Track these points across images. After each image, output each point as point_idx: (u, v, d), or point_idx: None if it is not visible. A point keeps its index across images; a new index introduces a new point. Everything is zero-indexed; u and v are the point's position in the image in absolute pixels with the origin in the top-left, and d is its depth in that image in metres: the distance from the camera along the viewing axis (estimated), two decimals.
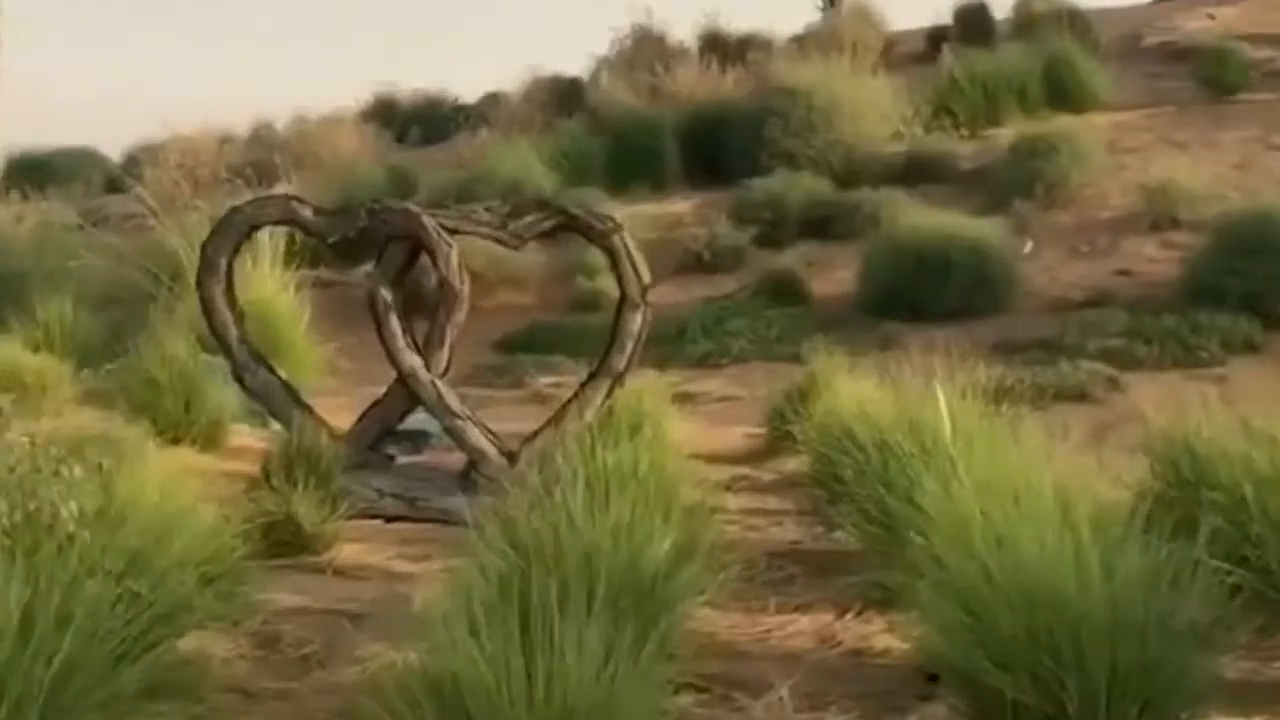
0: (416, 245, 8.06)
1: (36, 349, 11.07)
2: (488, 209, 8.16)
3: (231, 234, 8.23)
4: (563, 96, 29.07)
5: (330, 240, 8.28)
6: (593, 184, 20.61)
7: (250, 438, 10.12)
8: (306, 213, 8.13)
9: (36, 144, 33.69)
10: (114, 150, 32.88)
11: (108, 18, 56.54)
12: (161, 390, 9.61)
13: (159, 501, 5.30)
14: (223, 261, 8.18)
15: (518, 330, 15.78)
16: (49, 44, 49.84)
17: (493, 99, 32.39)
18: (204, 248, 8.26)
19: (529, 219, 7.99)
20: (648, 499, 5.27)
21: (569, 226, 8.15)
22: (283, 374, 10.45)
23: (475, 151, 23.01)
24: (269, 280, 12.49)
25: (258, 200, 8.62)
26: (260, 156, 24.81)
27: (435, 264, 7.94)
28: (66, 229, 18.36)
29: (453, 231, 8.01)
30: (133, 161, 28.34)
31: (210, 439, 9.75)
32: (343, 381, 12.38)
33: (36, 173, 31.27)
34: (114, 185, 27.24)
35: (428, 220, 7.95)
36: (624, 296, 8.01)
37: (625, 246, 7.94)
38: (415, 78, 38.65)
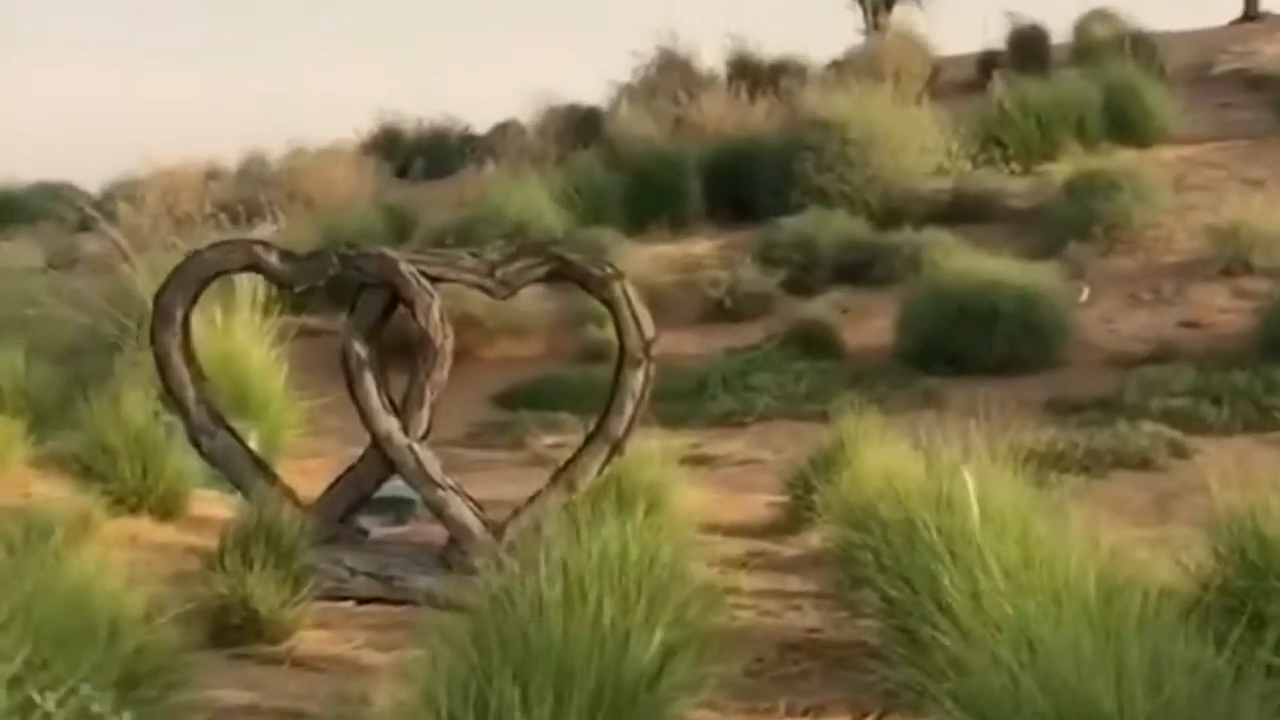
0: (395, 293, 7.88)
1: None
2: (473, 254, 7.96)
3: (189, 282, 8.05)
4: (579, 127, 29.04)
5: (298, 288, 8.10)
6: (608, 223, 20.49)
7: (217, 506, 9.91)
8: (272, 258, 7.95)
9: (8, 178, 33.87)
10: (95, 185, 32.87)
11: (105, 41, 57.12)
12: (116, 454, 9.40)
13: (81, 586, 5.07)
14: (179, 312, 8.01)
15: (521, 384, 15.58)
16: (28, 68, 50.24)
17: (503, 131, 32.40)
18: (158, 297, 8.09)
19: (519, 265, 7.79)
20: (638, 585, 5.05)
21: (564, 274, 7.93)
22: (255, 435, 10.35)
23: (480, 187, 22.87)
24: (244, 329, 12.29)
25: (219, 245, 8.44)
26: (250, 193, 24.81)
27: (414, 315, 7.75)
28: (29, 272, 18.23)
29: (435, 279, 7.83)
30: (111, 198, 28.33)
31: (170, 508, 9.54)
32: (327, 441, 12.17)
33: (4, 211, 31.36)
34: (89, 224, 27.18)
35: (405, 267, 7.76)
36: (624, 351, 7.79)
37: (625, 296, 7.72)
38: (425, 107, 38.75)
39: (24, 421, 10.73)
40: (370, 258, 7.89)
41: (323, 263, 7.93)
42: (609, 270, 7.82)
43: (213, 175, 29.84)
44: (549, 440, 12.83)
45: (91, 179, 32.66)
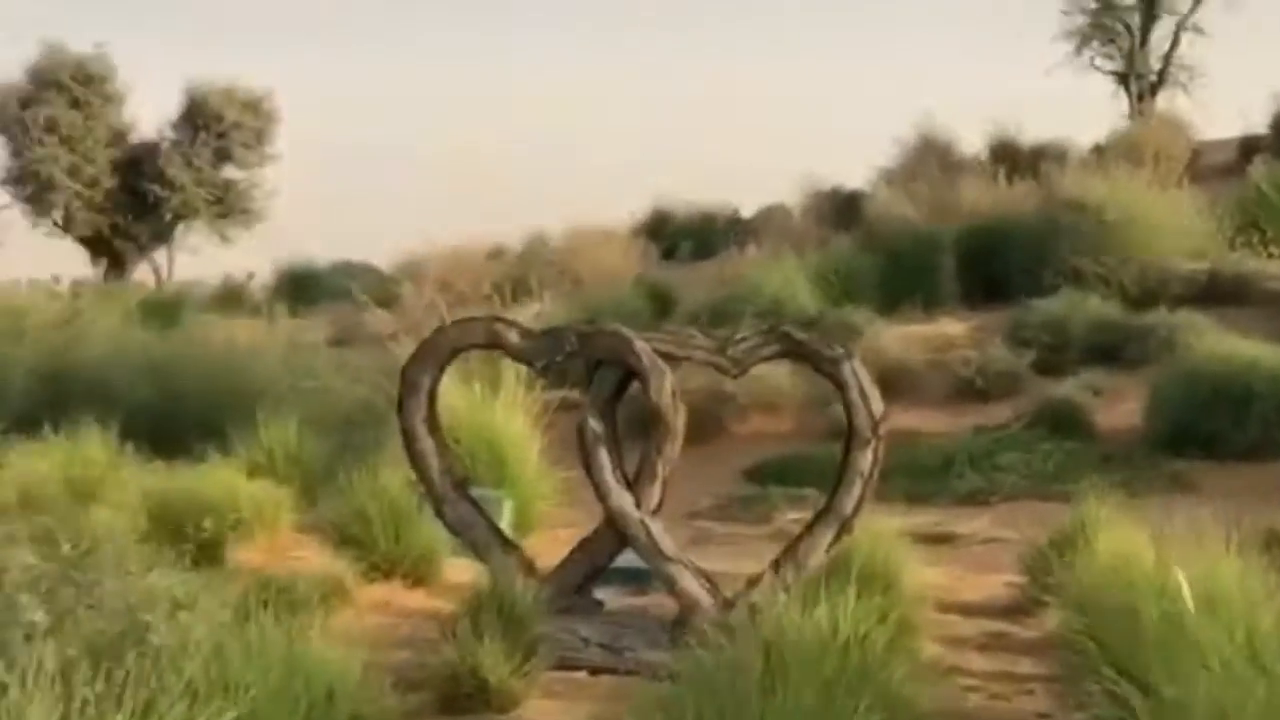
0: (629, 370, 7.77)
1: (256, 474, 11.03)
2: (705, 333, 7.85)
3: (434, 357, 8.09)
4: (841, 210, 28.88)
5: (538, 365, 8.06)
6: (862, 303, 20.17)
7: (469, 572, 9.90)
8: (512, 336, 7.94)
9: (313, 257, 35.06)
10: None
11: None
12: (371, 521, 9.46)
13: (301, 651, 5.01)
14: (424, 385, 8.04)
15: (770, 459, 15.34)
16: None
17: (768, 214, 32.39)
18: (405, 371, 8.14)
19: (749, 344, 7.64)
20: (843, 665, 4.81)
21: (794, 353, 7.76)
22: (510, 504, 10.33)
23: (739, 268, 22.78)
24: (505, 402, 12.33)
25: (461, 322, 8.47)
26: (528, 271, 25.12)
27: (646, 392, 7.63)
28: (312, 347, 18.63)
29: (668, 357, 7.70)
30: (395, 278, 29.01)
31: (422, 574, 9.56)
32: (580, 511, 12.11)
33: (305, 287, 32.37)
34: (382, 301, 27.79)
35: (640, 345, 7.65)
36: (852, 431, 7.55)
37: (855, 376, 7.50)
38: (703, 190, 39.08)
39: (293, 489, 10.92)
40: (605, 335, 7.82)
41: (560, 340, 7.88)
42: (838, 350, 7.61)
43: (495, 254, 30.35)
44: (793, 515, 12.56)
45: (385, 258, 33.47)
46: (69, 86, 45.72)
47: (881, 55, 61.59)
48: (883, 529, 8.53)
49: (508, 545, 8.16)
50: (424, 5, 68.06)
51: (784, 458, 15.23)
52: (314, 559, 9.51)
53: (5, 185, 46.15)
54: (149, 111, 48.80)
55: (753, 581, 7.52)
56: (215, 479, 10.21)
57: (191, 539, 8.96)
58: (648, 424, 7.73)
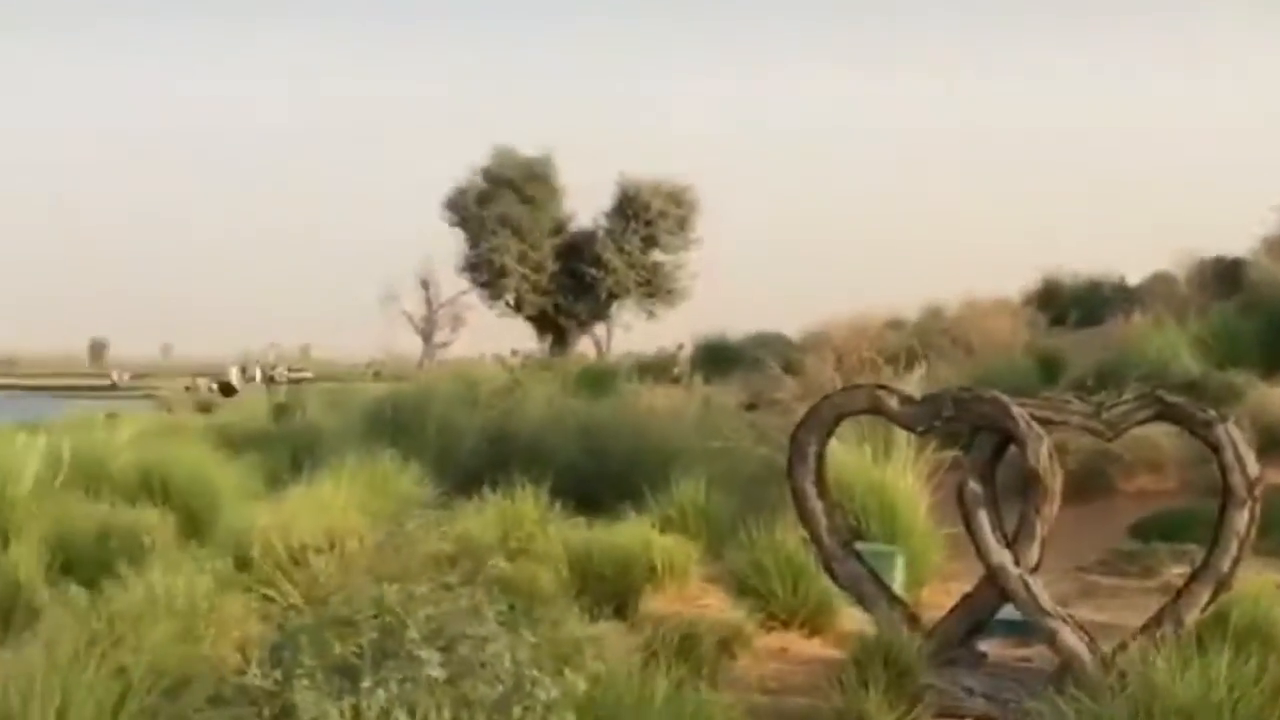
0: (1007, 435, 7.46)
1: (668, 529, 11.06)
2: (1081, 398, 7.48)
3: (820, 422, 7.96)
4: (1223, 276, 27.57)
5: (918, 430, 7.84)
6: (1244, 366, 19.05)
7: (864, 622, 9.68)
8: (893, 402, 7.74)
9: (729, 329, 35.63)
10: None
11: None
12: (769, 573, 9.36)
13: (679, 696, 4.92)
14: (812, 450, 7.91)
15: (1155, 515, 14.56)
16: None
17: (1154, 281, 31.15)
18: (794, 435, 8.02)
19: (1124, 408, 7.26)
20: None
21: (1168, 416, 7.32)
22: (901, 558, 10.07)
23: (1124, 334, 21.89)
24: (896, 461, 12.06)
25: (845, 389, 8.35)
26: (921, 340, 24.73)
27: (1024, 455, 7.30)
28: (724, 410, 18.72)
29: (1044, 422, 7.36)
30: (801, 347, 29.01)
31: (819, 623, 9.38)
32: (969, 565, 11.75)
33: (722, 357, 32.78)
34: (790, 368, 27.82)
35: (1016, 410, 7.35)
36: (1228, 491, 7.07)
37: (1229, 438, 7.02)
38: (1090, 260, 37.96)
39: (701, 542, 10.91)
40: (983, 401, 7.54)
41: (938, 406, 7.65)
42: (1211, 414, 7.14)
43: (893, 324, 30.05)
44: (1177, 570, 11.88)
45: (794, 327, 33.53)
46: (519, 185, 47.91)
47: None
48: (1262, 585, 7.96)
49: (893, 599, 7.94)
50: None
51: (1169, 513, 14.44)
52: (718, 607, 9.46)
53: (464, 272, 48.66)
54: (586, 203, 50.54)
55: (1128, 640, 7.08)
56: (631, 534, 10.26)
57: (607, 589, 9.04)
58: (1026, 485, 7.40)
